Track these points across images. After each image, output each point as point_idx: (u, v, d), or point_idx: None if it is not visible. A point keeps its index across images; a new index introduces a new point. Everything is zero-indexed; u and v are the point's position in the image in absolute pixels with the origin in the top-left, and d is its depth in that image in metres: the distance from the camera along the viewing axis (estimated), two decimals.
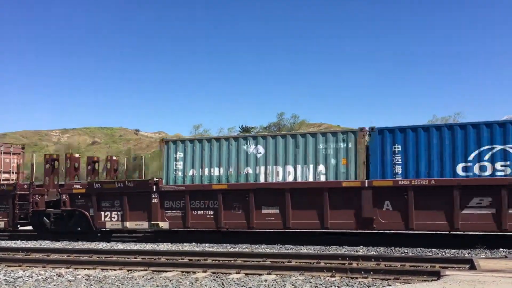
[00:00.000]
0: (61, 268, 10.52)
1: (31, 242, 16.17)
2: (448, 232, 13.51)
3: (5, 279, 9.46)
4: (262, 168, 14.92)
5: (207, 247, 14.05)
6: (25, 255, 12.23)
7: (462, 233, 13.63)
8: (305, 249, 13.18)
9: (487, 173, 13.07)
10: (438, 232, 13.74)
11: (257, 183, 14.80)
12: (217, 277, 9.19)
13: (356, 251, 12.64)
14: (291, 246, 13.92)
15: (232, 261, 10.53)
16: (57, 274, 9.86)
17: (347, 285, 8.28)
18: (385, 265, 9.73)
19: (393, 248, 13.05)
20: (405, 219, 13.30)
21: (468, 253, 12.07)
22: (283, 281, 8.65)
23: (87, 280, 9.25)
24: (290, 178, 14.64)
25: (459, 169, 13.28)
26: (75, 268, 10.46)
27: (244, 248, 13.75)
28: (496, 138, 13.01)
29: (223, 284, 8.54)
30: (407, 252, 12.44)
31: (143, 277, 9.42)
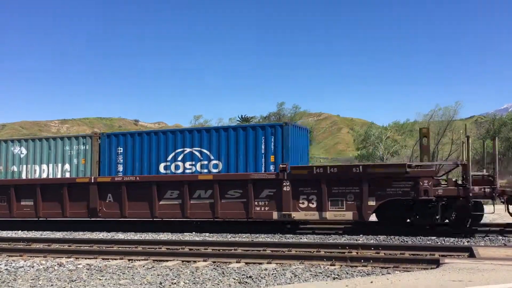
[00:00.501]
0: (62, 258, 10.56)
1: (31, 232, 16.23)
2: (151, 219, 16.04)
3: (6, 269, 9.50)
4: (25, 167, 18.34)
5: (207, 236, 14.10)
6: (26, 245, 12.28)
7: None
8: (305, 238, 13.24)
9: (180, 171, 16.28)
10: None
11: (17, 179, 18.02)
12: (217, 266, 9.23)
13: (356, 240, 12.70)
14: (292, 235, 13.99)
15: (233, 250, 10.56)
16: (58, 264, 9.90)
17: (347, 273, 8.32)
18: (384, 253, 9.76)
19: (392, 237, 13.11)
20: (121, 209, 16.00)
21: (468, 242, 12.12)
22: (283, 269, 8.69)
23: (88, 269, 9.29)
24: (44, 175, 17.97)
25: (161, 167, 16.56)
26: (76, 258, 10.50)
27: (245, 237, 13.81)
28: (186, 142, 16.22)
29: (223, 273, 8.58)
30: (406, 241, 12.49)
31: (144, 266, 9.46)
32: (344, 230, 14.61)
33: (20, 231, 16.73)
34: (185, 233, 14.89)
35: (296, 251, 10.34)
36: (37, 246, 12.15)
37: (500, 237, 12.71)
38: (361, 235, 13.39)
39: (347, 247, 10.32)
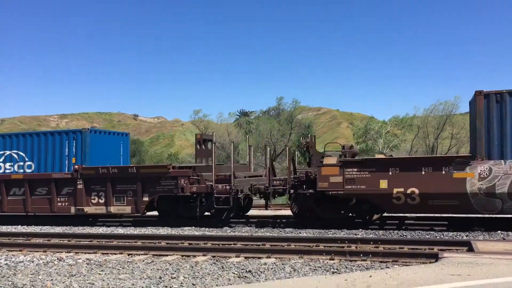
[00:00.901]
0: (62, 252, 10.59)
1: (31, 227, 16.26)
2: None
3: (6, 264, 9.52)
4: None
5: (207, 231, 14.12)
6: (26, 240, 12.29)
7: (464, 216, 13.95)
8: (304, 233, 13.26)
9: (1, 171, 18.17)
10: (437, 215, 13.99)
11: None
12: (217, 260, 9.25)
13: (355, 234, 12.72)
14: (291, 229, 14.02)
15: (232, 245, 10.58)
16: (58, 259, 9.92)
17: (346, 267, 8.35)
18: (383, 248, 9.78)
19: (391, 231, 13.14)
20: None
21: (466, 236, 12.14)
22: (282, 264, 8.71)
23: (88, 264, 9.31)
24: None
25: None
26: (76, 253, 10.52)
27: (244, 232, 13.83)
28: (7, 146, 18.12)
29: (223, 267, 8.60)
30: (405, 235, 12.51)
31: (143, 261, 9.48)
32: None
33: (19, 225, 16.77)
34: (184, 228, 14.91)
35: (295, 245, 10.36)
36: (37, 240, 12.16)
37: (499, 231, 12.73)
38: (360, 230, 13.42)
39: (346, 242, 10.34)
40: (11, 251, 10.93)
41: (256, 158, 48.86)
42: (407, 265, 8.21)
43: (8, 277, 8.31)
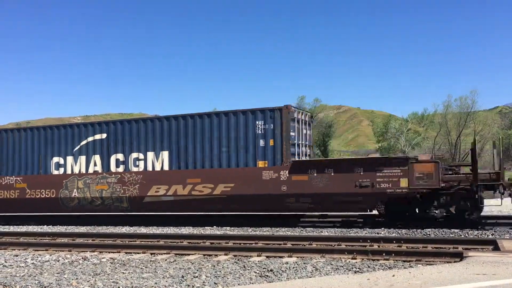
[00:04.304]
0: (86, 251, 10.75)
1: (56, 227, 16.57)
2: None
3: (32, 263, 9.72)
4: None
5: (228, 230, 14.18)
6: (51, 240, 12.53)
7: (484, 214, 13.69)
8: (326, 232, 13.20)
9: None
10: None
11: None
12: (238, 259, 9.28)
13: (377, 233, 12.61)
14: (312, 228, 13.97)
15: (253, 244, 10.60)
16: (82, 258, 10.09)
17: (369, 267, 8.28)
18: (406, 247, 9.67)
19: (414, 230, 12.97)
20: None
21: (492, 234, 11.92)
22: (304, 263, 8.69)
23: (111, 263, 9.44)
24: None
25: None
26: (100, 252, 10.68)
27: (265, 231, 13.84)
28: None
29: (244, 266, 8.62)
30: (429, 234, 12.35)
31: (166, 260, 9.57)
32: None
33: (45, 225, 17.11)
34: (206, 227, 15.00)
35: (316, 244, 10.33)
36: (62, 240, 12.39)
37: None
38: (382, 228, 13.30)
39: (368, 240, 10.26)
40: (37, 250, 11.15)
41: None
42: (431, 264, 8.10)
43: (35, 276, 8.49)
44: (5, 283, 7.88)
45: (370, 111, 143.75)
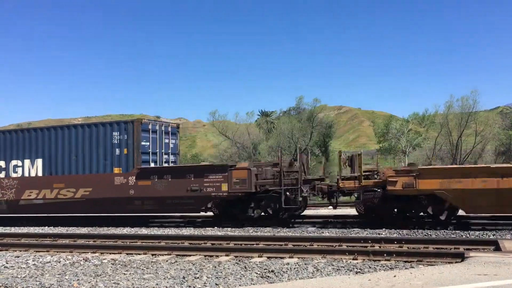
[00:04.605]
0: (88, 253, 10.76)
1: (57, 228, 16.57)
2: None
3: (34, 264, 9.73)
4: None
5: (229, 231, 14.18)
6: (53, 241, 12.53)
7: (486, 215, 13.68)
8: (326, 232, 13.20)
9: None
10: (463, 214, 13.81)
11: None
12: (239, 260, 9.28)
13: (378, 233, 12.60)
14: (313, 229, 13.97)
15: (254, 245, 10.60)
16: (83, 259, 10.09)
17: (370, 267, 8.27)
18: (408, 247, 9.66)
19: (416, 230, 12.97)
20: None
21: (493, 235, 11.91)
22: (305, 264, 8.69)
23: (113, 264, 9.44)
24: None
25: None
26: (101, 253, 10.68)
27: (266, 231, 13.84)
28: None
29: (245, 267, 8.62)
30: (430, 235, 12.34)
31: (167, 261, 9.57)
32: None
33: (46, 227, 17.12)
34: (207, 228, 15.01)
35: (317, 245, 10.33)
36: (63, 241, 12.39)
37: None
38: (383, 229, 13.29)
39: (369, 241, 10.26)
40: (39, 251, 11.15)
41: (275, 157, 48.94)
42: (432, 265, 8.09)
43: (36, 277, 8.49)
44: (7, 284, 7.89)
45: (371, 111, 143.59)
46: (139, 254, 10.38)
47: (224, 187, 15.16)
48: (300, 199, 14.70)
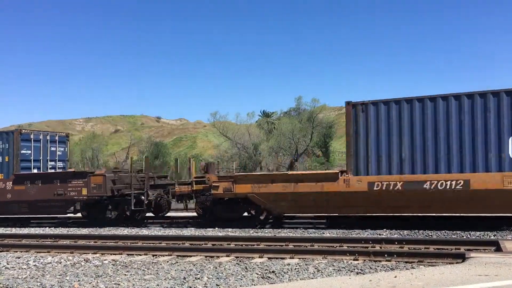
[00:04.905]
0: (88, 253, 10.76)
1: (58, 229, 16.58)
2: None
3: (34, 265, 9.73)
4: None
5: (230, 232, 14.18)
6: (54, 241, 12.54)
7: (487, 215, 13.66)
8: (327, 233, 13.20)
9: None
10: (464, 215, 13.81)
11: None
12: (240, 261, 9.28)
13: (379, 234, 12.60)
14: (314, 230, 13.97)
15: (255, 246, 10.60)
16: (84, 260, 10.10)
17: (370, 268, 8.27)
18: (408, 248, 9.67)
19: (416, 231, 12.97)
20: None
21: (494, 235, 11.91)
22: (306, 264, 8.69)
23: (113, 265, 9.44)
24: None
25: None
26: (102, 254, 10.68)
27: (267, 232, 13.84)
28: None
29: (246, 268, 8.62)
30: (431, 235, 12.34)
31: (168, 261, 9.58)
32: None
33: (47, 228, 17.13)
34: (208, 229, 15.01)
35: (318, 245, 10.33)
36: (64, 242, 12.40)
37: None
38: (384, 229, 13.29)
39: (370, 242, 10.26)
40: (39, 252, 11.16)
41: (280, 158, 48.97)
42: (433, 266, 8.09)
43: (37, 278, 8.50)
44: (8, 285, 7.90)
45: None
46: (140, 254, 10.38)
47: (84, 191, 16.92)
48: (146, 201, 16.54)
